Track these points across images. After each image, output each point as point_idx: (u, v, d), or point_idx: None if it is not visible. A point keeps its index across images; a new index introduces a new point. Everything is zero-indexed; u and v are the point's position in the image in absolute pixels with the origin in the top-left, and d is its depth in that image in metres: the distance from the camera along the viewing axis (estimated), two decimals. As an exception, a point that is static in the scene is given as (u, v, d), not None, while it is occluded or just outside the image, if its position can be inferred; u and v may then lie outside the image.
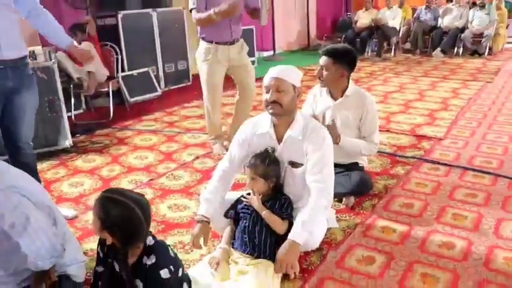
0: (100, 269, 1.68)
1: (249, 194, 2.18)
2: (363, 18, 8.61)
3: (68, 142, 4.13)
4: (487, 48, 7.84)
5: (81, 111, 5.27)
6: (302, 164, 2.19)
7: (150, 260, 1.50)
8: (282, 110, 2.14)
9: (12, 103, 2.50)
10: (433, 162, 3.35)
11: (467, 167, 3.23)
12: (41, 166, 3.59)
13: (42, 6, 2.71)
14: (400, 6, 8.75)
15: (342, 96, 2.81)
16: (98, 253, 1.69)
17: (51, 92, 4.11)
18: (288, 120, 2.20)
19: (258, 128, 2.28)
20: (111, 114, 4.92)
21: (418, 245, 2.30)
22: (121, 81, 5.36)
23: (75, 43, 2.87)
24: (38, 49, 4.12)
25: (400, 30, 8.59)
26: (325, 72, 2.70)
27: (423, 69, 7.02)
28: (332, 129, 2.54)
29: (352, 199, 2.72)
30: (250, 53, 7.73)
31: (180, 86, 6.41)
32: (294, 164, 2.20)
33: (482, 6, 7.86)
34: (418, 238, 2.36)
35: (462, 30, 8.04)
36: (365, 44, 8.43)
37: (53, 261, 1.67)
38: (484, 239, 2.33)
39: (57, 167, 3.65)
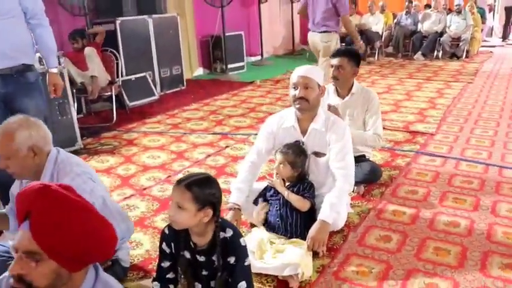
0: (166, 264, 1.79)
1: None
2: (347, 24, 8.95)
3: (78, 144, 4.28)
4: (465, 51, 8.29)
5: (81, 115, 5.40)
6: (325, 154, 2.43)
7: (228, 233, 1.69)
8: (309, 105, 2.38)
9: (12, 109, 2.62)
10: (430, 154, 3.65)
11: (461, 158, 3.54)
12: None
13: (46, 19, 2.80)
14: (382, 11, 9.15)
15: (348, 95, 3.07)
16: (162, 251, 1.79)
17: (61, 96, 4.25)
18: (311, 115, 2.44)
19: (283, 122, 2.51)
20: (115, 118, 5.07)
21: (427, 224, 2.57)
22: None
23: (55, 72, 2.90)
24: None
25: (382, 34, 8.97)
26: (341, 71, 2.94)
27: (407, 72, 7.39)
28: (335, 112, 2.74)
29: (362, 187, 2.98)
30: (240, 58, 8.06)
31: (175, 90, 6.57)
32: (317, 154, 2.44)
33: (459, 12, 8.32)
34: (426, 219, 2.63)
35: (441, 34, 8.47)
36: (349, 48, 8.77)
37: (120, 243, 1.83)
38: (483, 217, 2.63)
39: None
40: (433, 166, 3.42)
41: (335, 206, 2.25)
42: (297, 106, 2.40)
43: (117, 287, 1.25)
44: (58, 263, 1.09)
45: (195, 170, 3.56)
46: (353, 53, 3.06)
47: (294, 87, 2.40)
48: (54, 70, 2.91)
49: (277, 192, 2.35)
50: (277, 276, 2.08)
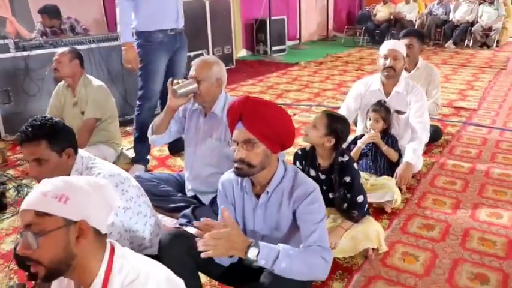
0: None
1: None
2: (382, 12, 9.45)
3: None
4: (495, 41, 8.72)
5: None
6: (405, 112, 2.99)
7: (345, 158, 2.25)
8: (395, 73, 2.93)
9: (172, 61, 3.31)
10: (476, 125, 4.18)
11: (503, 128, 4.07)
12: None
13: None
14: (415, 0, 9.59)
15: (414, 69, 3.61)
16: None
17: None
18: (394, 81, 2.99)
19: (369, 85, 3.06)
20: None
21: (483, 174, 3.13)
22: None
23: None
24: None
25: (416, 23, 9.42)
26: (411, 49, 3.46)
27: (441, 58, 7.86)
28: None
29: (424, 147, 3.53)
30: (282, 41, 8.58)
31: (226, 68, 7.06)
32: (399, 112, 3.00)
33: (491, 3, 8.73)
34: (482, 170, 3.19)
35: (472, 24, 8.90)
36: (384, 35, 9.22)
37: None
38: (530, 171, 3.17)
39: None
40: (480, 134, 3.95)
41: (417, 151, 2.82)
42: (385, 74, 2.95)
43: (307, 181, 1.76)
44: (266, 145, 1.61)
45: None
46: (420, 33, 3.60)
47: (384, 58, 2.94)
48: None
49: (370, 143, 2.89)
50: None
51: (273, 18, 8.08)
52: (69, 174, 1.76)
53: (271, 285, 1.55)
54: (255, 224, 1.74)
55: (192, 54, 6.43)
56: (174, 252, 1.67)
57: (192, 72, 2.37)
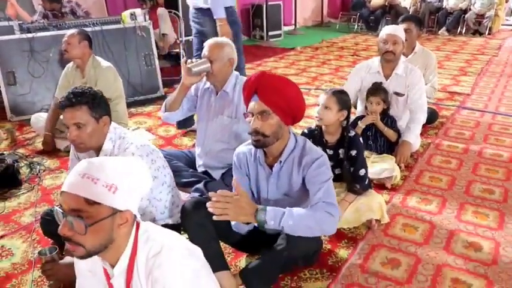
0: None
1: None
2: (376, -1, 9.53)
3: (160, 92, 4.96)
4: (487, 29, 8.89)
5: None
6: (404, 94, 3.13)
7: (351, 133, 2.39)
8: (394, 57, 3.07)
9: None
10: (469, 109, 4.35)
11: (495, 112, 4.24)
12: (147, 109, 4.43)
13: None
14: (409, -12, 9.70)
15: (411, 53, 3.74)
16: None
17: (147, 48, 4.92)
18: (394, 64, 3.13)
19: (369, 68, 3.20)
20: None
21: (476, 154, 3.30)
22: (182, 44, 6.16)
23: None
24: (138, 11, 4.89)
25: (410, 10, 9.54)
26: (409, 33, 3.59)
27: (434, 45, 8.01)
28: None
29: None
30: (277, 27, 8.67)
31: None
32: (398, 94, 3.14)
33: (484, -10, 8.88)
34: (475, 151, 3.36)
35: (465, 11, 9.05)
36: (378, 21, 9.34)
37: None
38: (521, 152, 3.34)
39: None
40: (473, 117, 4.12)
41: (415, 131, 2.99)
42: (385, 57, 3.08)
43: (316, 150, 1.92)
44: (279, 116, 1.76)
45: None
46: (417, 18, 3.73)
47: (384, 42, 3.07)
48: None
49: (371, 124, 3.03)
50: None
51: (269, 3, 8.15)
52: (103, 142, 1.89)
53: (286, 247, 1.71)
54: (268, 192, 1.88)
55: (190, 38, 6.48)
56: (196, 218, 1.80)
57: (205, 53, 2.48)
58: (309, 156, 1.79)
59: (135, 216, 1.24)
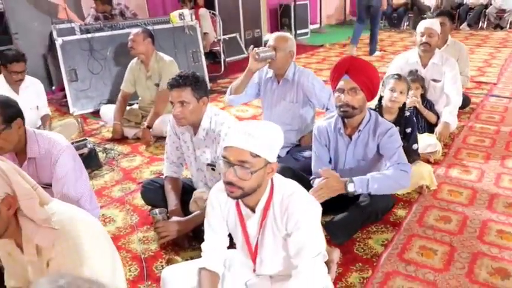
0: None
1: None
2: (399, -4, 9.84)
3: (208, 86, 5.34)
4: (509, 23, 9.12)
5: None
6: (440, 80, 3.47)
7: (407, 113, 2.77)
8: (430, 48, 3.41)
9: None
10: (497, 96, 4.66)
11: (522, 99, 4.54)
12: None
13: None
14: (431, -16, 9.98)
15: (444, 45, 4.07)
16: None
17: (195, 46, 5.32)
18: (430, 54, 3.47)
19: (408, 59, 3.55)
20: (223, 69, 6.13)
21: (508, 134, 3.61)
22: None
23: None
24: (186, 11, 5.30)
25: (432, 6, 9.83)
26: (443, 27, 3.91)
27: (457, 39, 8.25)
28: None
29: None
30: (304, 25, 9.03)
31: (256, 50, 7.55)
32: (435, 80, 3.48)
33: (505, -15, 9.12)
34: (506, 131, 3.67)
35: (486, 6, 9.30)
36: (401, 18, 9.66)
37: None
38: (549, 132, 3.65)
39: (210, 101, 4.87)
40: (501, 103, 4.43)
41: (452, 112, 3.34)
42: (422, 48, 3.43)
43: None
44: (365, 93, 2.14)
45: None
46: (450, 13, 4.08)
47: (421, 35, 3.41)
48: None
49: (412, 107, 3.37)
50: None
51: (297, 3, 8.52)
52: (201, 119, 2.27)
53: (370, 203, 2.15)
54: (346, 159, 2.27)
55: (226, 37, 6.91)
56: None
57: (270, 42, 2.86)
58: (383, 126, 2.18)
59: None
